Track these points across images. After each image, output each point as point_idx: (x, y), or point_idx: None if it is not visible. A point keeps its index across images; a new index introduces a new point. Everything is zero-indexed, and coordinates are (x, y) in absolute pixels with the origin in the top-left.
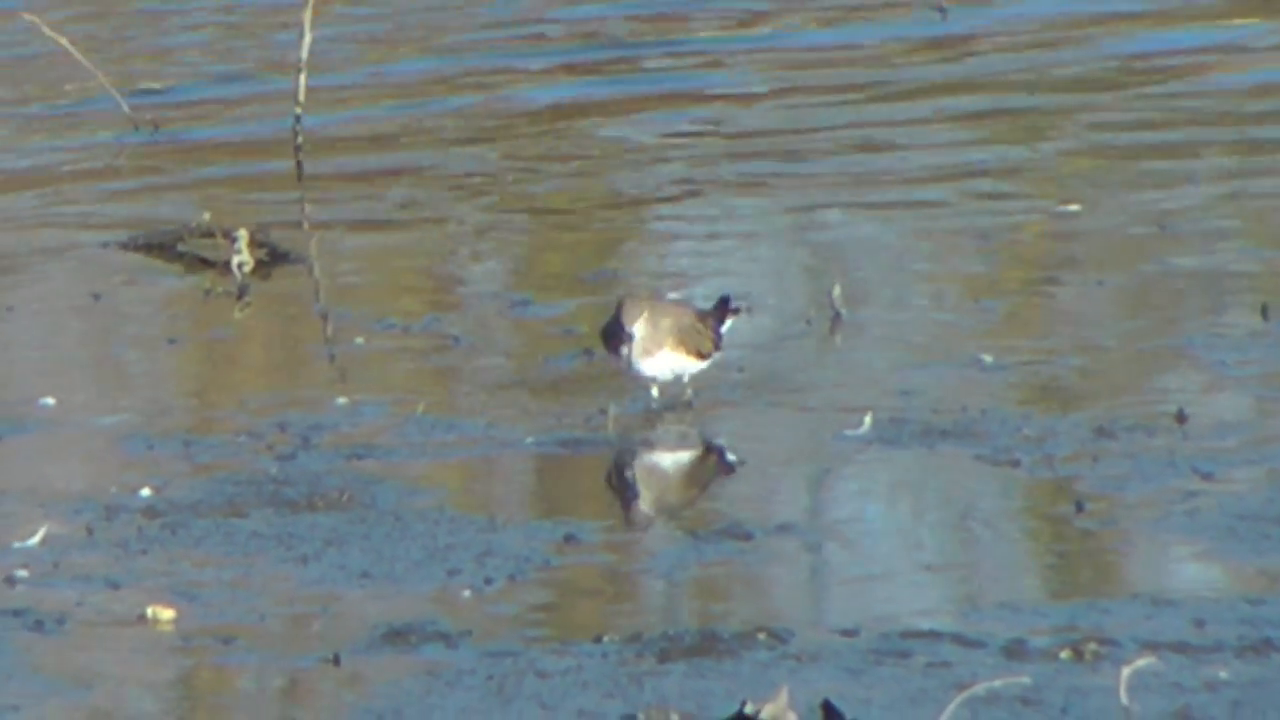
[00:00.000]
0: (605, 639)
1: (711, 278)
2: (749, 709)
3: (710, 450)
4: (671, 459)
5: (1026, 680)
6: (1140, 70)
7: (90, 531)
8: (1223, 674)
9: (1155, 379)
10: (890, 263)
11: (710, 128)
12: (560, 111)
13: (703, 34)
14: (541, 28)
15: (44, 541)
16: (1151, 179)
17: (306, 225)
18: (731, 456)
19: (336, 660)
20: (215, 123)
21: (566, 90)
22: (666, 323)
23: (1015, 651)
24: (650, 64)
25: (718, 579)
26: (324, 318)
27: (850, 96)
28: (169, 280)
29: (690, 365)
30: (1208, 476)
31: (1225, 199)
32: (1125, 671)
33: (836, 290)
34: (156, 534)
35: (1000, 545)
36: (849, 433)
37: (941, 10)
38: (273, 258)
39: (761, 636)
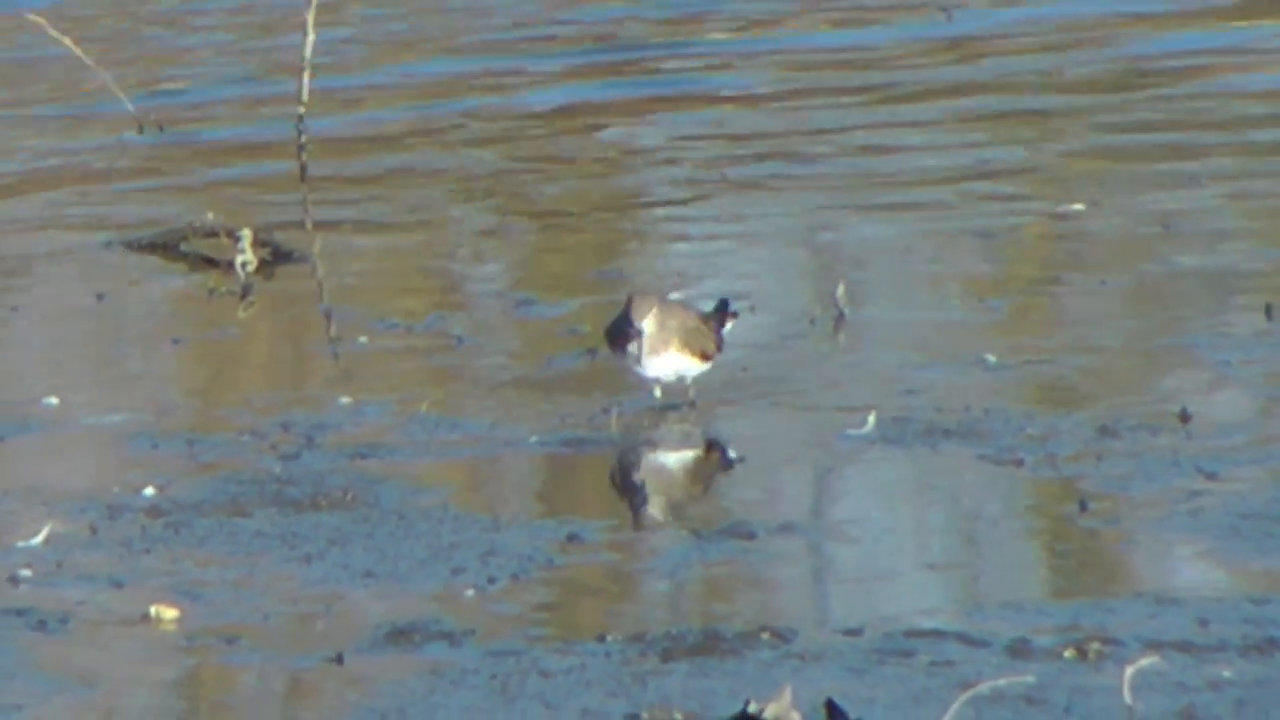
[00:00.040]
0: (609, 638)
1: (715, 278)
2: (752, 708)
3: (713, 449)
4: (675, 458)
5: (1030, 679)
6: (1149, 71)
7: (94, 531)
8: (1226, 673)
9: (1159, 378)
10: (894, 262)
11: (718, 129)
12: (569, 113)
13: (714, 36)
14: (553, 29)
15: (47, 541)
16: (1156, 179)
17: (310, 225)
18: (735, 456)
19: (340, 659)
20: (222, 124)
21: (576, 92)
22: (674, 323)
23: (1019, 651)
24: (660, 66)
25: (721, 578)
26: (328, 317)
27: (857, 98)
28: (173, 280)
29: (694, 366)
30: (1211, 476)
31: (1230, 199)
32: (1129, 671)
33: (840, 290)
34: (160, 533)
35: (1004, 544)
36: (852, 432)
37: (946, 11)
38: (276, 257)
39: (765, 636)
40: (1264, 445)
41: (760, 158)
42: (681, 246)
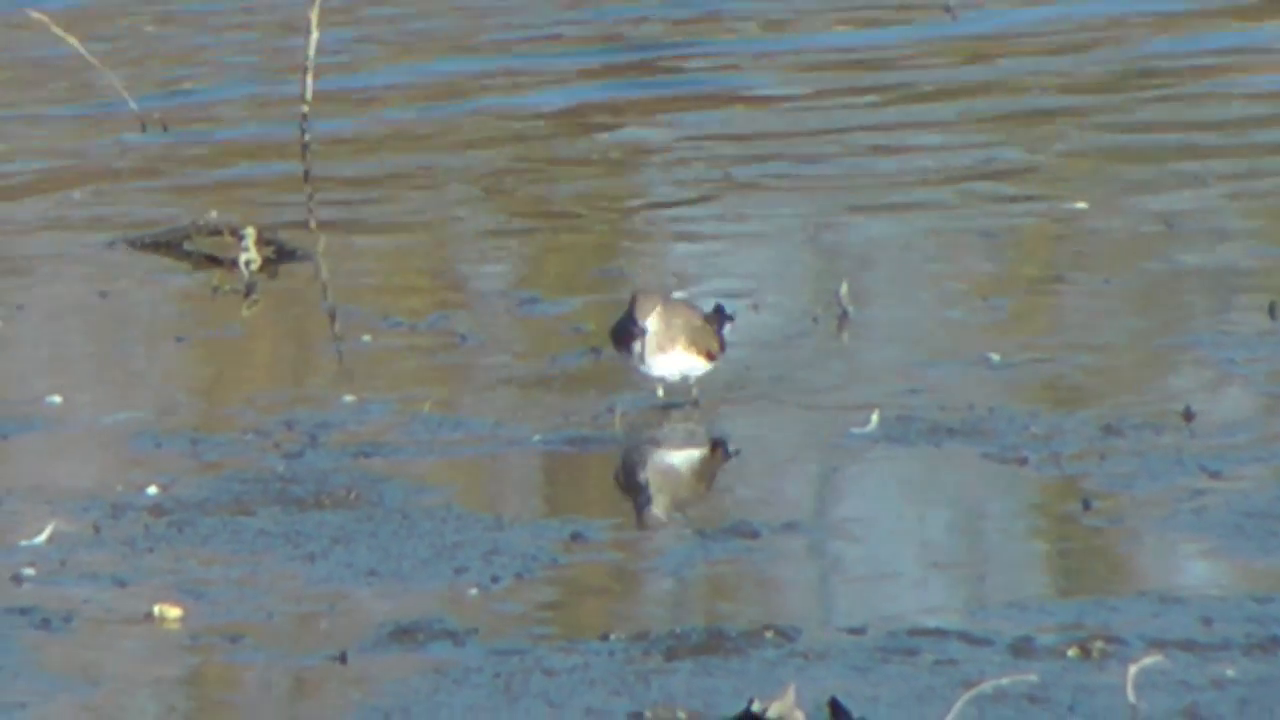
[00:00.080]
0: (612, 637)
1: (719, 277)
2: (756, 707)
3: (717, 448)
4: (678, 457)
5: (1034, 678)
6: (1156, 72)
7: (97, 529)
8: (1230, 672)
9: (1163, 377)
10: (898, 261)
11: (725, 129)
12: (577, 113)
13: (726, 37)
14: (562, 29)
15: (51, 539)
16: (1160, 179)
17: (314, 225)
18: (738, 454)
19: (343, 658)
20: (230, 124)
21: (585, 92)
22: (679, 321)
23: (1022, 649)
24: (670, 66)
25: (725, 577)
26: (331, 316)
27: (865, 99)
28: (176, 278)
29: (699, 366)
30: (1215, 474)
31: (1233, 199)
32: (1132, 669)
33: (844, 288)
34: (163, 532)
35: (1007, 543)
36: (856, 431)
37: (950, 11)
38: (280, 256)
39: (769, 634)
40: (1268, 444)
41: (765, 158)
42: (685, 245)
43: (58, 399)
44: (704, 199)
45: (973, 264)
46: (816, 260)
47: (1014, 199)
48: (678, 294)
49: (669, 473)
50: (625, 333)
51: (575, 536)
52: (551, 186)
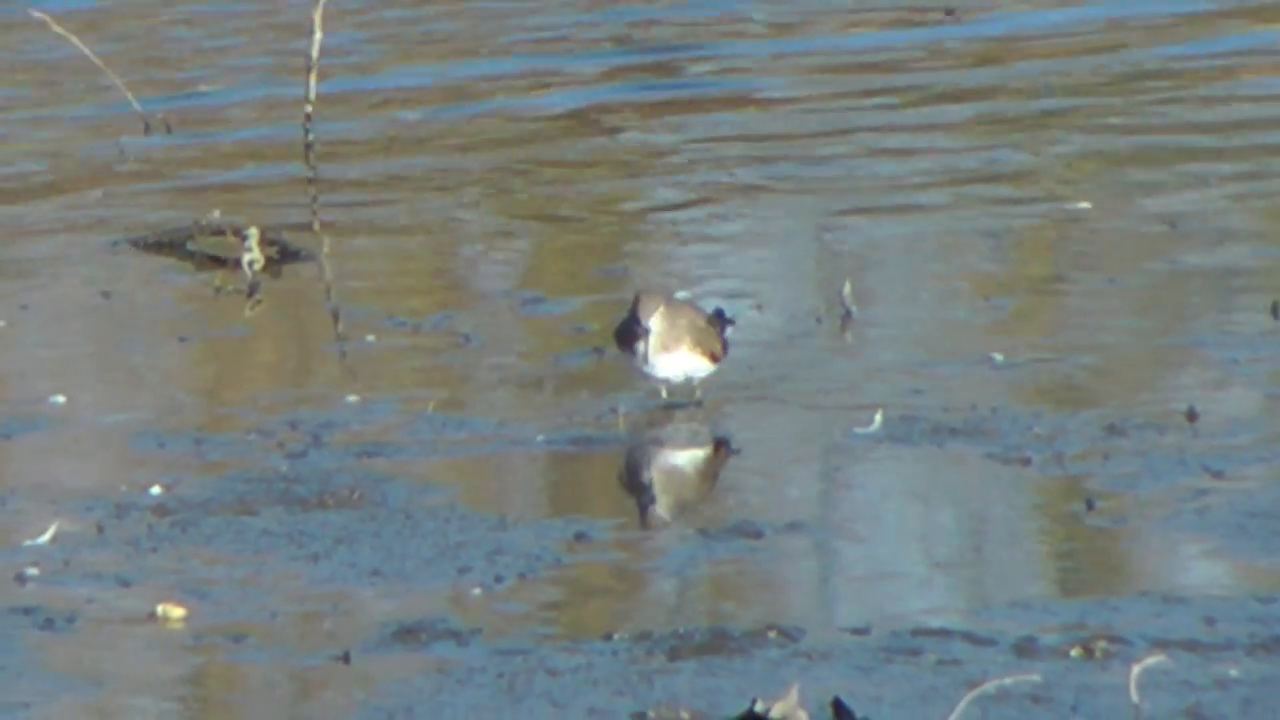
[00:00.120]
0: (616, 637)
1: (723, 277)
2: (759, 707)
3: (720, 448)
4: (682, 457)
5: (1037, 678)
6: (1165, 74)
7: (101, 529)
8: (1233, 672)
9: (1166, 377)
10: (901, 262)
11: (732, 131)
12: (586, 115)
13: (734, 40)
14: (572, 31)
15: (54, 539)
16: (1164, 179)
17: (317, 226)
18: (741, 454)
19: (347, 658)
20: (237, 125)
21: (594, 95)
22: (683, 321)
23: (1025, 649)
24: (679, 69)
25: (728, 577)
26: (335, 315)
27: (871, 101)
28: (179, 278)
29: (702, 367)
30: (1218, 474)
31: (1238, 199)
32: (1135, 669)
33: (847, 288)
34: (167, 532)
35: (1010, 543)
36: (859, 431)
37: (951, 13)
38: (283, 255)
39: (772, 634)
40: (1271, 444)
41: (770, 159)
42: (689, 246)
43: (61, 399)
44: (709, 200)
45: (976, 264)
46: (820, 261)
47: (1017, 200)
48: (681, 294)
49: (672, 473)
50: (629, 333)
51: (579, 536)
52: (557, 188)
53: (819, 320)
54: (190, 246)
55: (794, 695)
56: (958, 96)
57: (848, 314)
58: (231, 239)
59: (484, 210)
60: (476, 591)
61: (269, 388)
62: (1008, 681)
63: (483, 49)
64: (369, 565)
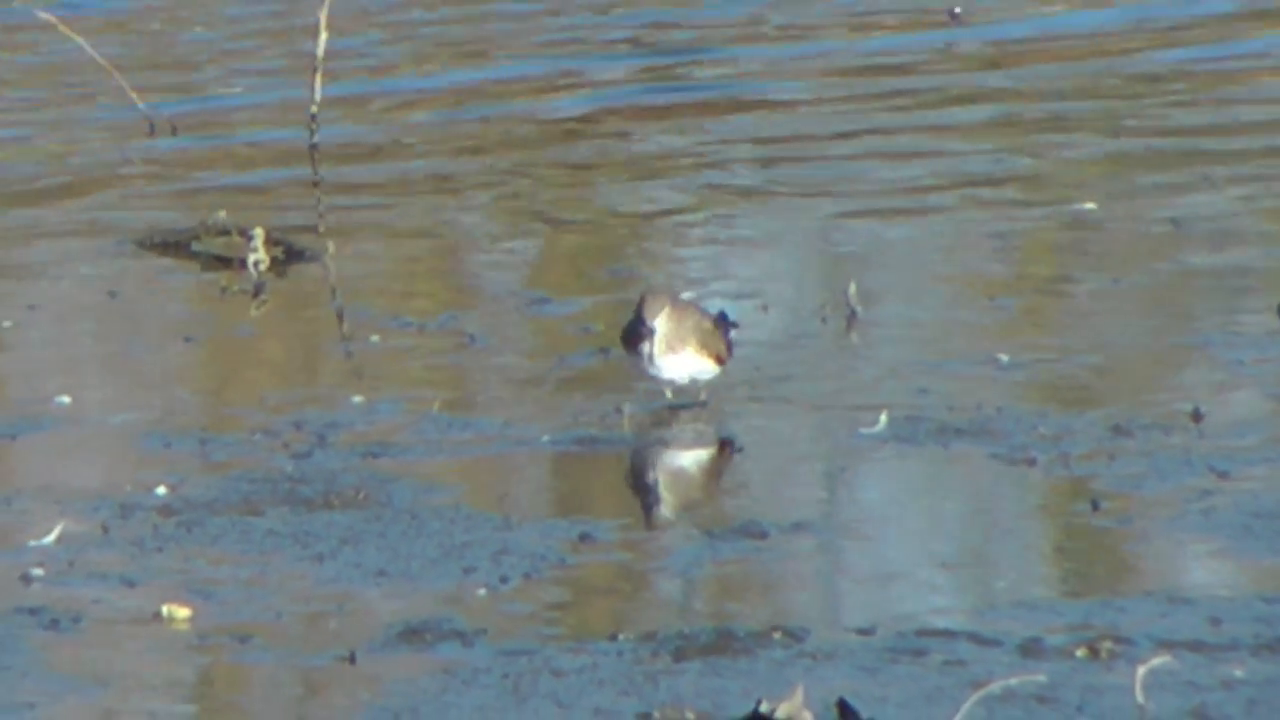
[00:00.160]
0: (621, 637)
1: (729, 277)
2: (764, 707)
3: (725, 448)
4: (687, 457)
5: (1042, 678)
6: (1171, 76)
7: (106, 529)
8: (1238, 672)
9: (1171, 377)
10: (907, 262)
11: (739, 133)
12: (596, 118)
13: (750, 43)
14: (584, 34)
15: (59, 539)
16: (1169, 180)
17: (323, 227)
18: (746, 454)
19: (352, 658)
20: (249, 128)
21: (605, 98)
22: (689, 322)
23: (1031, 650)
24: (688, 73)
25: (733, 577)
26: (340, 315)
27: (878, 104)
28: (185, 279)
29: (707, 369)
30: (1224, 475)
31: (1243, 201)
32: (1141, 670)
33: (852, 288)
34: (172, 532)
35: (1016, 543)
36: (864, 431)
37: (954, 16)
38: (288, 256)
39: (777, 635)
40: (1276, 444)
41: (776, 160)
42: (696, 247)
43: (67, 399)
44: (715, 201)
45: (981, 265)
46: (825, 261)
47: (1024, 201)
48: (686, 295)
49: (678, 473)
50: (634, 334)
51: (584, 537)
52: (565, 190)
53: (824, 320)
54: (195, 247)
55: (799, 696)
56: (967, 99)
57: (853, 314)
58: (237, 239)
59: (490, 212)
60: (481, 592)
61: (274, 388)
62: (1013, 682)
63: (499, 52)
64: (374, 565)
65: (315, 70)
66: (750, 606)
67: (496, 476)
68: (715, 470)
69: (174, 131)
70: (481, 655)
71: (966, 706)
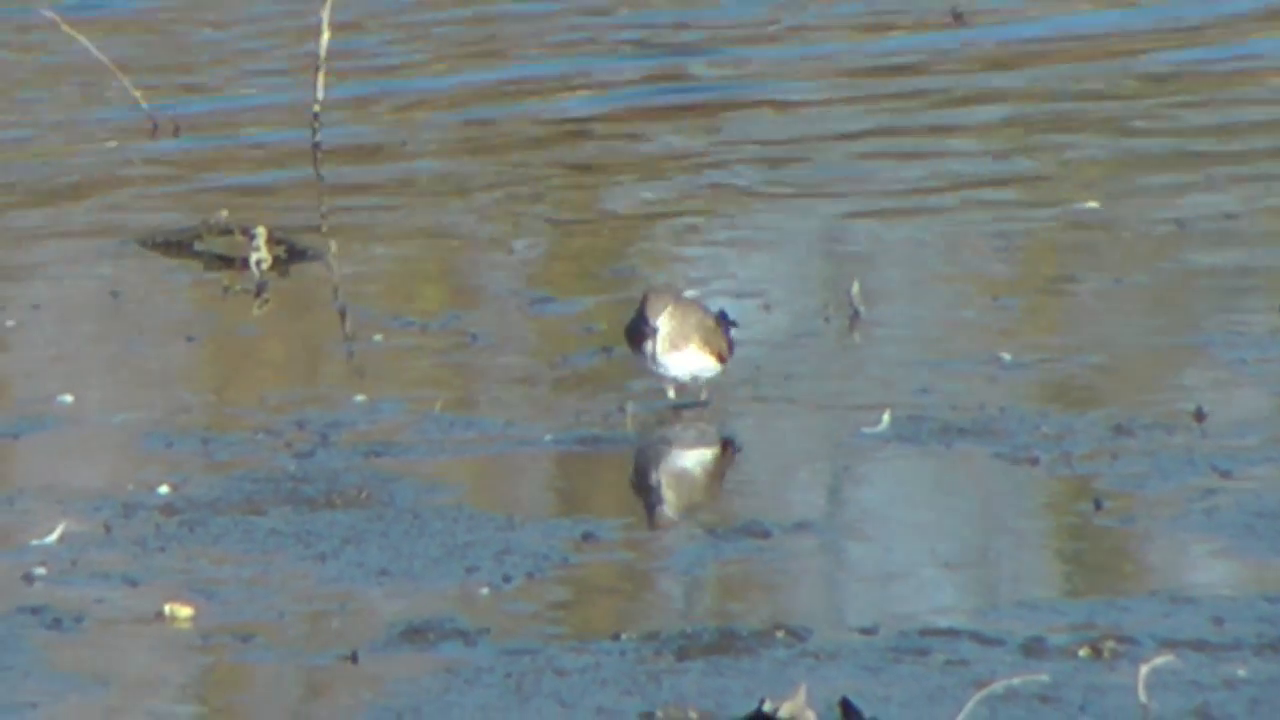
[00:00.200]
0: (624, 637)
1: (732, 277)
2: (767, 707)
3: (728, 448)
4: (689, 456)
5: (1045, 678)
6: (1177, 78)
7: (108, 529)
8: (1241, 672)
9: (1174, 377)
10: (910, 262)
11: (744, 134)
12: (603, 119)
13: (757, 44)
14: (591, 34)
15: (62, 539)
16: (1173, 180)
17: (325, 227)
18: (749, 454)
19: (355, 658)
20: (255, 128)
21: (611, 99)
22: (692, 319)
23: (1034, 649)
24: (693, 73)
25: (736, 577)
26: (342, 315)
27: (883, 105)
28: (187, 278)
29: (710, 367)
30: (1226, 474)
31: (1247, 200)
32: (1144, 669)
33: (855, 288)
34: (174, 531)
35: (1018, 543)
36: (867, 430)
37: (958, 17)
38: (291, 255)
39: (780, 634)
40: (1279, 444)
41: (782, 161)
42: (699, 246)
43: (69, 398)
44: (719, 201)
45: (984, 264)
46: (828, 261)
47: (1027, 201)
48: (689, 294)
49: (680, 472)
50: (638, 333)
51: (587, 536)
52: (569, 191)
53: (827, 320)
54: (198, 246)
55: (802, 695)
56: (974, 100)
57: (856, 314)
58: (239, 238)
59: (493, 211)
60: (484, 591)
61: (277, 387)
62: (1016, 681)
63: (509, 52)
64: (377, 565)
65: (317, 69)
66: (753, 606)
67: (499, 476)
68: (718, 470)
69: (176, 132)
70: (484, 655)
71: (969, 706)
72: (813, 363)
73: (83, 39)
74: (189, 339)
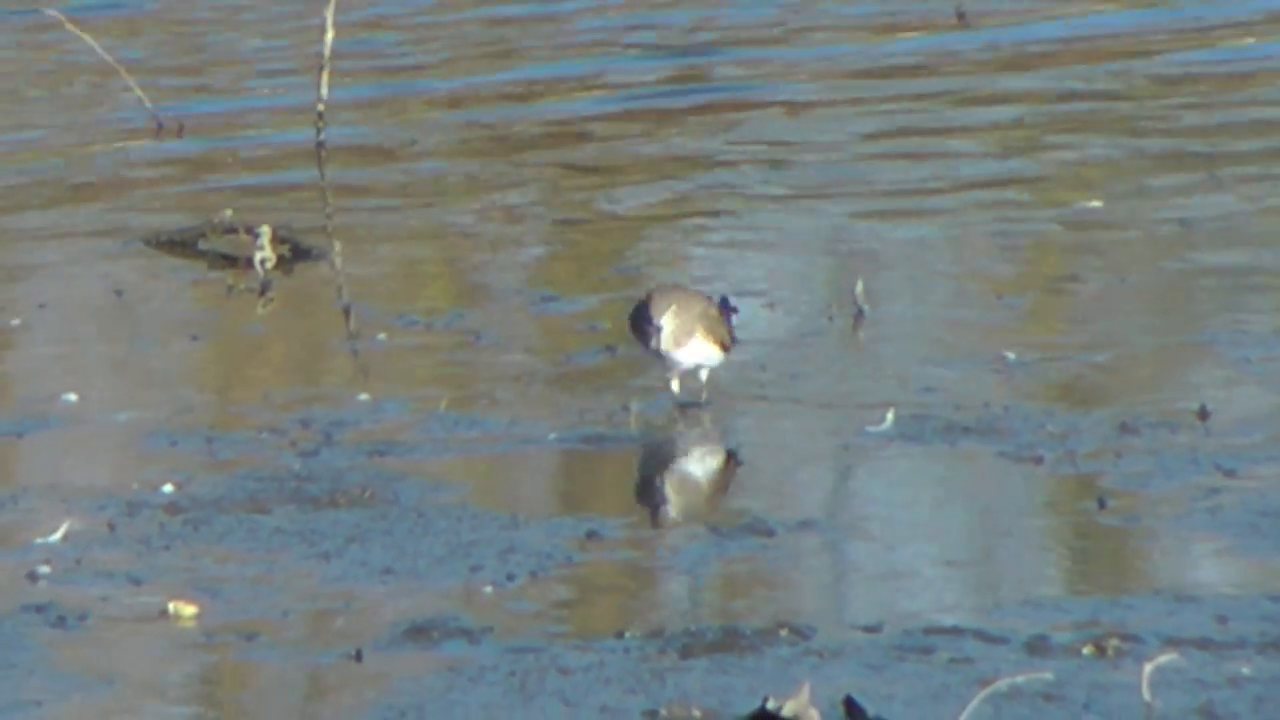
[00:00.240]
0: (627, 635)
1: (736, 275)
2: (771, 705)
3: (732, 446)
4: (693, 455)
5: (1049, 676)
6: (1183, 79)
7: (112, 527)
8: (1245, 670)
9: (1178, 375)
10: (914, 261)
11: (751, 135)
12: (610, 119)
13: (768, 45)
14: (602, 36)
15: (66, 538)
16: (1178, 180)
17: (330, 226)
18: (753, 453)
19: (359, 656)
20: (261, 129)
21: (620, 100)
22: (696, 310)
23: (1037, 647)
24: (710, 74)
25: (739, 575)
26: (346, 313)
27: (887, 106)
28: (191, 277)
29: (713, 356)
30: (1230, 473)
31: (1251, 200)
32: (1147, 668)
33: (859, 287)
34: (179, 530)
35: (1022, 541)
36: (871, 429)
37: (962, 17)
38: (295, 254)
39: (783, 632)
40: None
41: (788, 162)
42: (703, 246)
43: (73, 397)
44: (724, 200)
45: (988, 263)
46: (832, 260)
47: (1031, 200)
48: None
49: (684, 471)
50: (641, 331)
51: (590, 535)
52: (573, 190)
53: (831, 319)
54: (202, 245)
55: (806, 693)
56: (980, 100)
57: (860, 313)
58: (244, 237)
59: (498, 211)
60: (488, 590)
61: (281, 386)
62: (1020, 680)
63: (519, 54)
64: (381, 564)
65: (321, 69)
66: (757, 604)
67: (503, 475)
68: (722, 468)
69: (180, 132)
70: (488, 653)
71: (973, 704)
72: (817, 362)
73: (89, 39)
74: (193, 338)
